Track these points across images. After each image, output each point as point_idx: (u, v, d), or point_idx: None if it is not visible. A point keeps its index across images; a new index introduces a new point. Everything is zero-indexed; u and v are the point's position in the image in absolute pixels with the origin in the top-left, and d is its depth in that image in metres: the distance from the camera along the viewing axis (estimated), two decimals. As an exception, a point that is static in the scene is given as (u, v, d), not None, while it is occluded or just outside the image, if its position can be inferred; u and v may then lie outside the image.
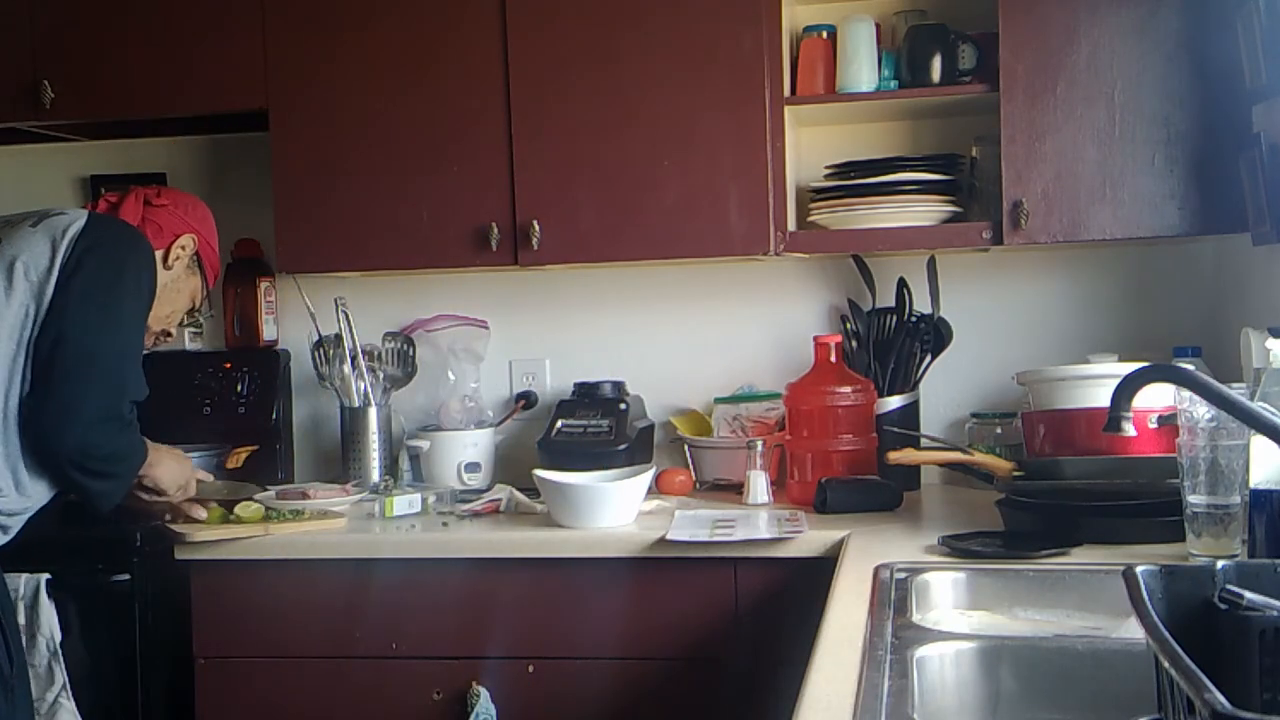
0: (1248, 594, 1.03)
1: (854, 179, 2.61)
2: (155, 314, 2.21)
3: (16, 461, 1.97)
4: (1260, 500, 1.69)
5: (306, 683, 2.40)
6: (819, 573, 2.01)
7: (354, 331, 2.84)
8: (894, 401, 2.68)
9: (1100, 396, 2.13)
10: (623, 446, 2.66)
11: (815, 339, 2.60)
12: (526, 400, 2.98)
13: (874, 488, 2.45)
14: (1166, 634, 0.91)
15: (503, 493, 2.57)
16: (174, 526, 2.39)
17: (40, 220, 2.06)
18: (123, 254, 2.09)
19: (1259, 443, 1.68)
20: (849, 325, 2.78)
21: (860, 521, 2.30)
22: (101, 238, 2.06)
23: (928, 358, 2.73)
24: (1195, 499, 1.78)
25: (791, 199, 2.64)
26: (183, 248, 2.27)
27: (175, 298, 2.29)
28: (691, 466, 2.81)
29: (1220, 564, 1.11)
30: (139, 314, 2.10)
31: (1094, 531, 1.96)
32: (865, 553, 1.99)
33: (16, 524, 2.02)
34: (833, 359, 2.57)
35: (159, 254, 2.22)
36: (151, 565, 2.41)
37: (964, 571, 1.80)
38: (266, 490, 2.63)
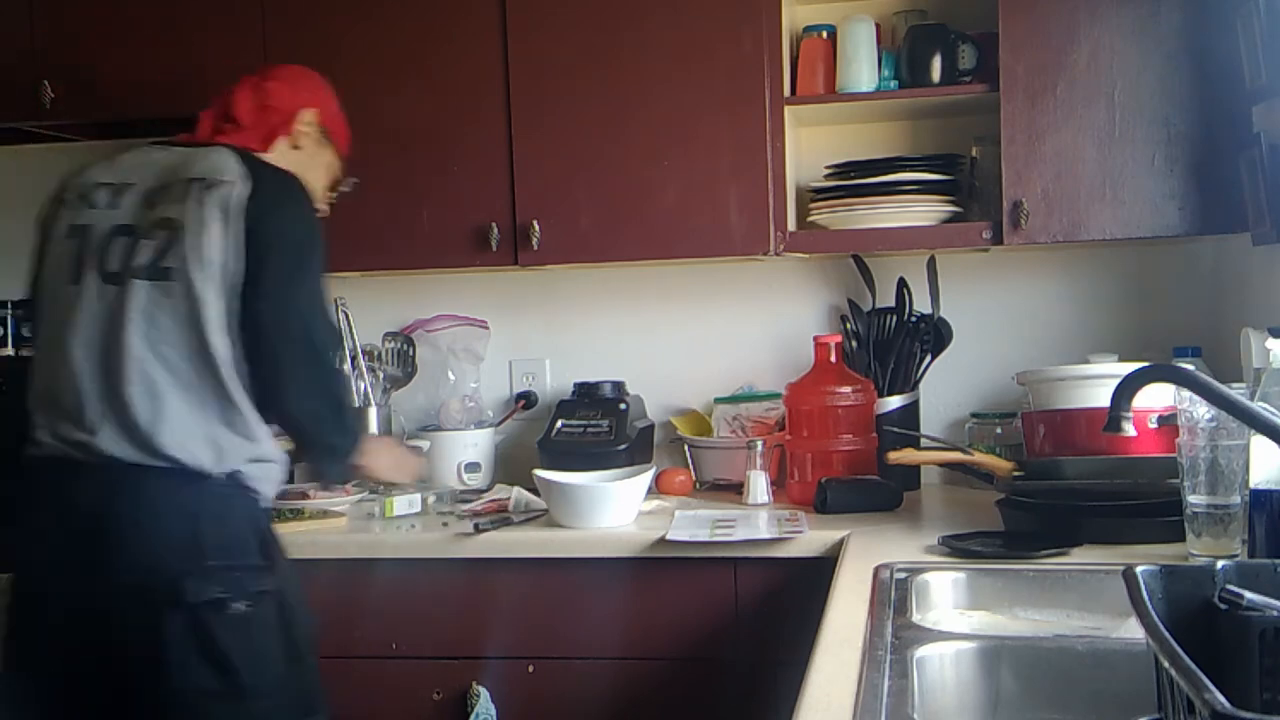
0: (1248, 594, 1.03)
1: (854, 179, 2.61)
2: None
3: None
4: (1260, 500, 1.69)
5: (306, 683, 2.40)
6: (819, 573, 2.01)
7: (354, 331, 2.84)
8: (894, 401, 2.68)
9: (1100, 396, 2.13)
10: (623, 446, 2.66)
11: (815, 339, 2.60)
12: (526, 400, 2.98)
13: (874, 488, 2.45)
14: (1166, 634, 0.91)
15: (507, 492, 2.57)
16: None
17: (205, 189, 1.96)
18: (292, 210, 2.01)
19: (1259, 443, 1.68)
20: (849, 325, 2.78)
21: (860, 521, 2.30)
22: (267, 205, 1.96)
23: (928, 358, 2.73)
24: (1195, 499, 1.78)
25: (791, 199, 2.64)
26: (305, 124, 2.19)
27: (311, 178, 2.18)
28: (691, 466, 2.81)
29: (1220, 564, 1.11)
30: (320, 264, 2.04)
31: (1094, 531, 1.96)
32: (865, 553, 1.99)
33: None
34: (833, 359, 2.57)
35: (283, 141, 2.15)
36: (151, 565, 2.40)
37: (964, 571, 1.80)
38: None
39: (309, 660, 1.99)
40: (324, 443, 2.05)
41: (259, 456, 1.96)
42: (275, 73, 2.20)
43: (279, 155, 2.13)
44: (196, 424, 1.90)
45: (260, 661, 1.89)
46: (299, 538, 2.39)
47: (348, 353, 2.84)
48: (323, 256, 2.02)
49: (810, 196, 2.69)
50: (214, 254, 1.91)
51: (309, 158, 2.20)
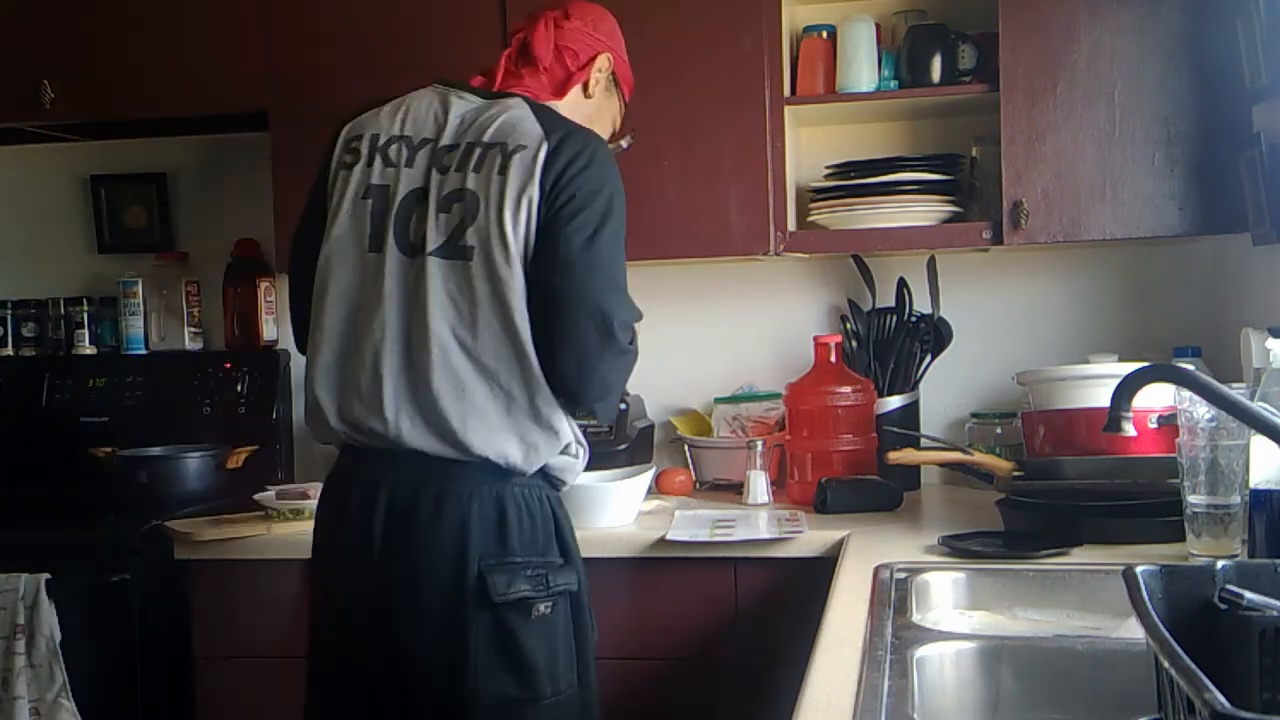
0: (1248, 594, 1.03)
1: (854, 179, 2.61)
2: None
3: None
4: (1260, 500, 1.69)
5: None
6: (819, 573, 2.01)
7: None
8: (894, 401, 2.68)
9: (1100, 396, 2.13)
10: (623, 446, 2.65)
11: (815, 339, 2.60)
12: (527, 400, 2.97)
13: (874, 488, 2.45)
14: (1166, 634, 0.91)
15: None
16: (173, 525, 2.40)
17: (503, 156, 1.83)
18: (598, 174, 1.84)
19: (1259, 443, 1.68)
20: (849, 325, 2.78)
21: (860, 521, 2.30)
22: (570, 163, 1.82)
23: (928, 358, 2.73)
24: (1195, 499, 1.78)
25: (791, 199, 2.64)
26: (600, 70, 2.05)
27: (600, 126, 2.07)
28: (691, 466, 2.81)
29: (1220, 564, 1.11)
30: (622, 236, 1.89)
31: (1094, 531, 1.96)
32: (865, 553, 1.99)
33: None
34: (833, 359, 2.57)
35: (578, 88, 2.02)
36: (151, 565, 2.41)
37: (964, 571, 1.80)
38: (267, 491, 2.63)
39: (593, 665, 1.92)
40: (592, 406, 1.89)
41: (566, 448, 1.88)
42: (575, 10, 2.05)
43: (571, 104, 2.01)
44: (506, 422, 1.81)
45: (557, 665, 1.83)
46: (299, 538, 2.39)
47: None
48: (623, 223, 1.87)
49: (810, 196, 2.69)
50: (513, 229, 1.79)
51: (598, 107, 2.07)
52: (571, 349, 1.81)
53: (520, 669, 1.78)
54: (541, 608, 1.80)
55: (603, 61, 2.04)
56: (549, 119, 1.87)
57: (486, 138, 1.85)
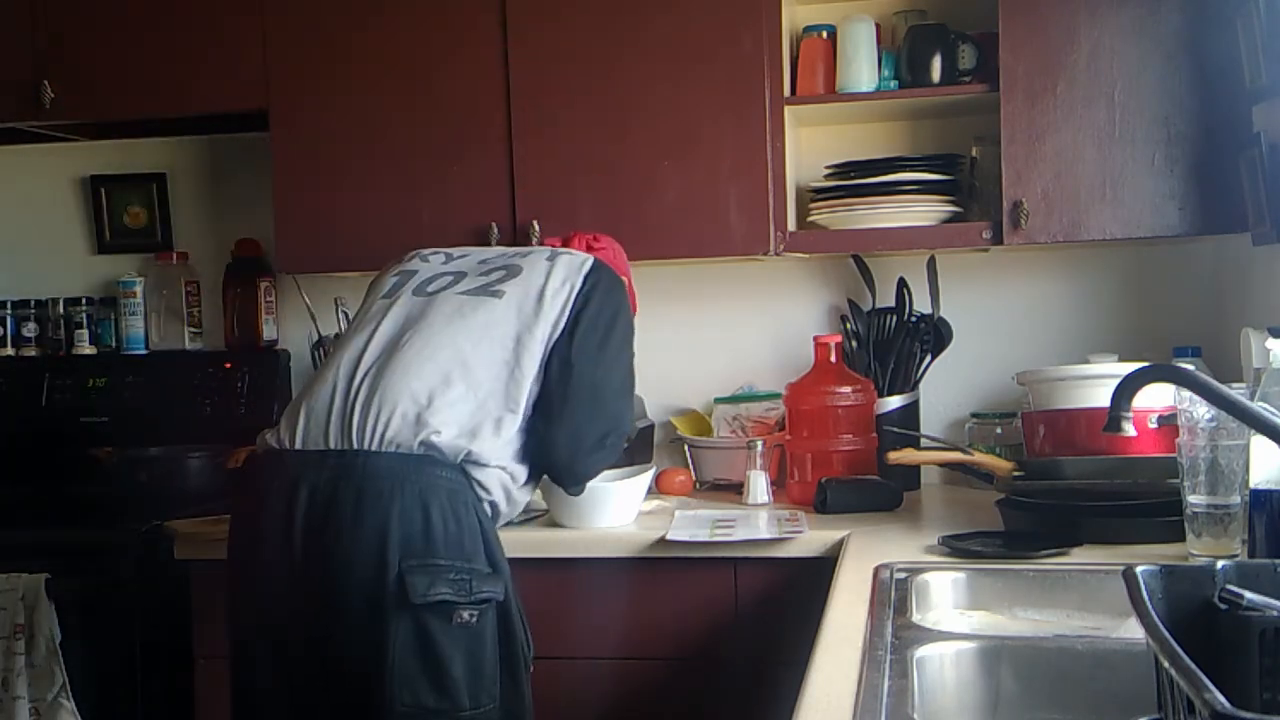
0: (1248, 594, 1.03)
1: (854, 179, 2.61)
2: None
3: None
4: (1260, 500, 1.69)
5: (306, 683, 2.40)
6: (819, 573, 2.01)
7: (354, 331, 2.83)
8: (894, 401, 2.68)
9: (1100, 396, 2.13)
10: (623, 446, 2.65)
11: (815, 339, 2.60)
12: (526, 400, 2.98)
13: (874, 488, 2.45)
14: (1166, 634, 0.91)
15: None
16: (173, 525, 2.40)
17: (554, 253, 2.11)
18: (620, 297, 2.10)
19: (1259, 443, 1.68)
20: (849, 325, 2.78)
21: (860, 521, 2.30)
22: (602, 280, 2.07)
23: (928, 358, 2.73)
24: (1195, 499, 1.78)
25: (791, 199, 2.64)
26: None
27: None
28: (691, 466, 2.81)
29: (1220, 564, 1.11)
30: (631, 354, 2.11)
31: (1094, 531, 1.96)
32: (865, 553, 1.99)
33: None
34: (833, 359, 2.57)
35: None
36: (151, 565, 2.41)
37: (964, 571, 1.80)
38: None
39: (525, 680, 1.91)
40: (567, 470, 2.03)
41: (504, 465, 1.90)
42: (604, 238, 2.32)
43: None
44: (469, 413, 1.87)
45: (480, 678, 1.80)
46: (299, 538, 2.39)
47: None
48: (631, 356, 2.10)
49: (810, 196, 2.69)
50: (552, 297, 1.99)
51: None
52: (566, 427, 1.95)
53: (439, 679, 1.77)
54: (465, 615, 1.78)
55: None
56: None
57: (534, 248, 2.18)
